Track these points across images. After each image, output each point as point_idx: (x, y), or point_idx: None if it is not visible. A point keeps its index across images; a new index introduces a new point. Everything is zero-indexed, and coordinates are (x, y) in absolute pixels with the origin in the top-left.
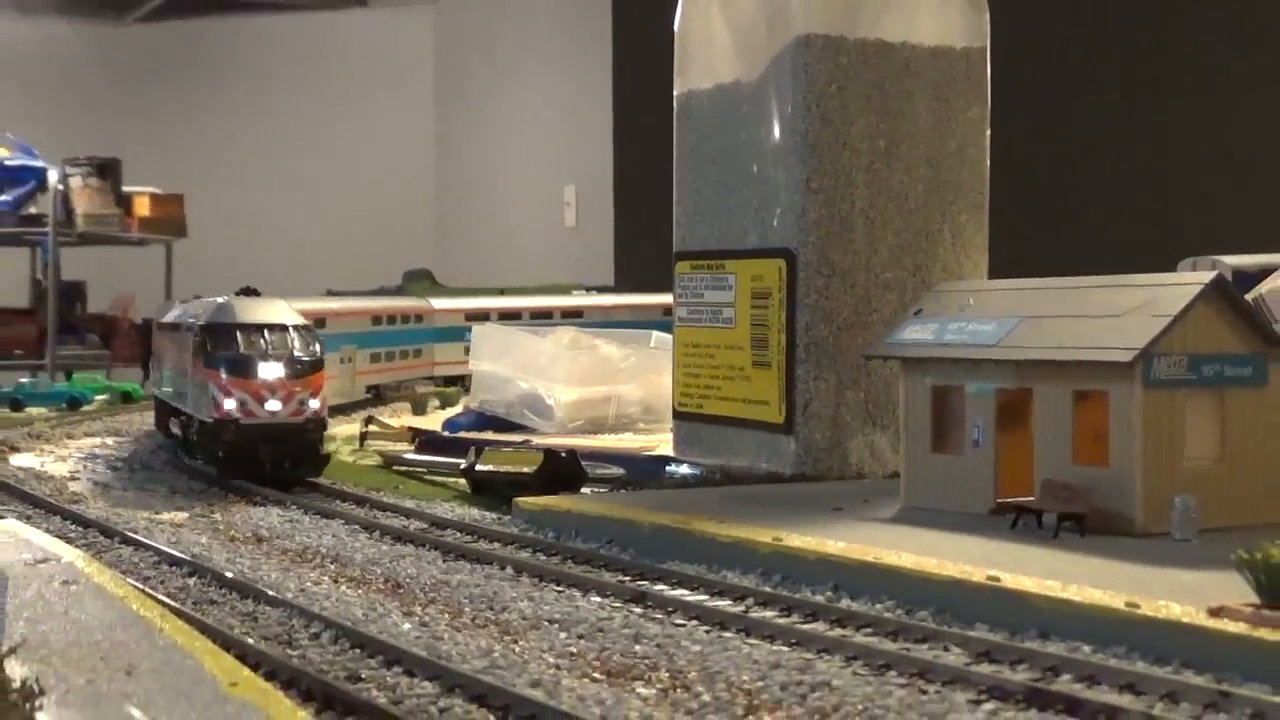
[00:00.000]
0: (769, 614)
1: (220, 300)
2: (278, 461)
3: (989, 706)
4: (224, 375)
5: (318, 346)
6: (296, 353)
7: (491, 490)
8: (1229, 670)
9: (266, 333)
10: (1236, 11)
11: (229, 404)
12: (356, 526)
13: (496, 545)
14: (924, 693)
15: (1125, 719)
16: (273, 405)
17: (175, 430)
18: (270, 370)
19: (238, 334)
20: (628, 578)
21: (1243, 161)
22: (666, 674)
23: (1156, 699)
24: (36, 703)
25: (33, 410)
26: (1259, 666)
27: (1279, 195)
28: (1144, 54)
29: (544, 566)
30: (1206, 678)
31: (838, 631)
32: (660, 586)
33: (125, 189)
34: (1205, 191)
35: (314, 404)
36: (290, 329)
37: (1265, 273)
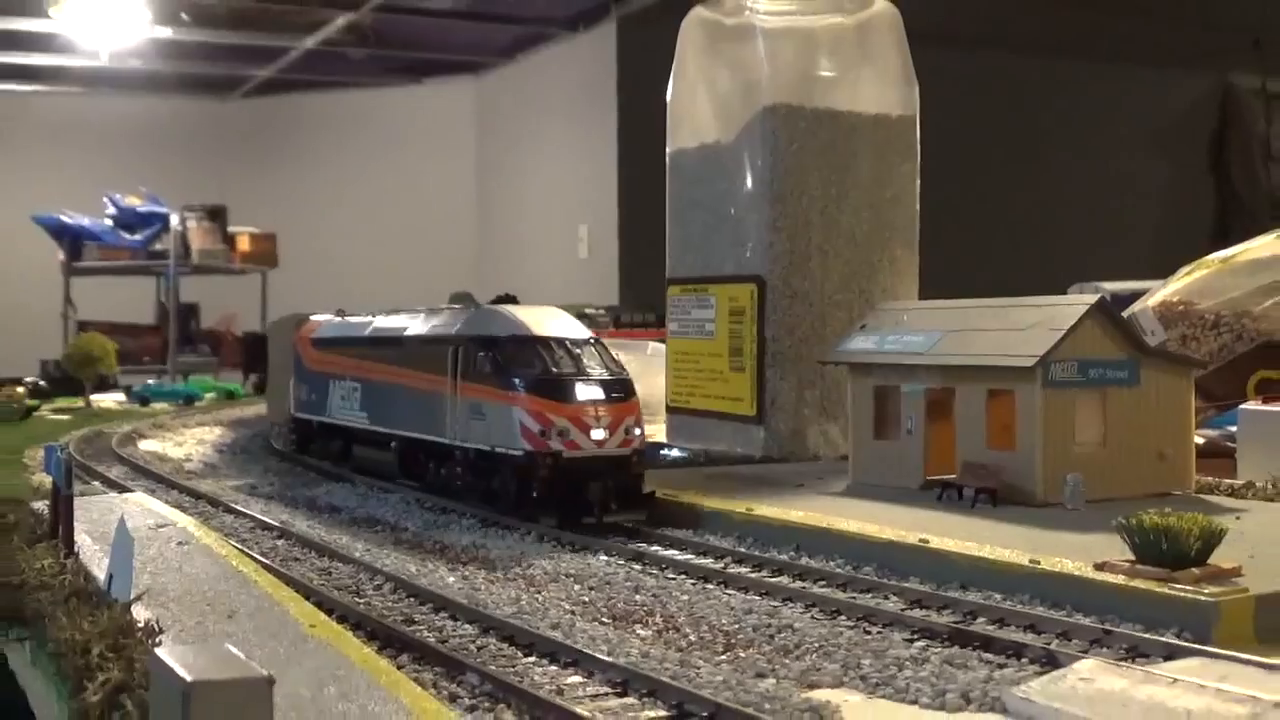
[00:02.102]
0: (743, 570)
1: (483, 310)
2: (604, 501)
3: (920, 644)
4: (535, 399)
5: (619, 364)
6: (610, 371)
7: None
8: (1110, 613)
9: (571, 347)
10: (1109, 93)
11: (546, 434)
12: (411, 501)
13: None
14: (868, 633)
15: (1028, 653)
16: (598, 434)
17: (327, 448)
18: (591, 392)
19: (540, 349)
20: (629, 540)
21: (1116, 210)
22: (660, 618)
23: (1053, 636)
24: (156, 639)
25: (157, 406)
26: (1134, 610)
27: (1143, 238)
28: (1040, 125)
29: (560, 533)
30: (1093, 619)
31: (799, 584)
32: (655, 547)
33: (230, 229)
34: (1089, 233)
35: (638, 431)
36: (595, 343)
37: (1135, 296)
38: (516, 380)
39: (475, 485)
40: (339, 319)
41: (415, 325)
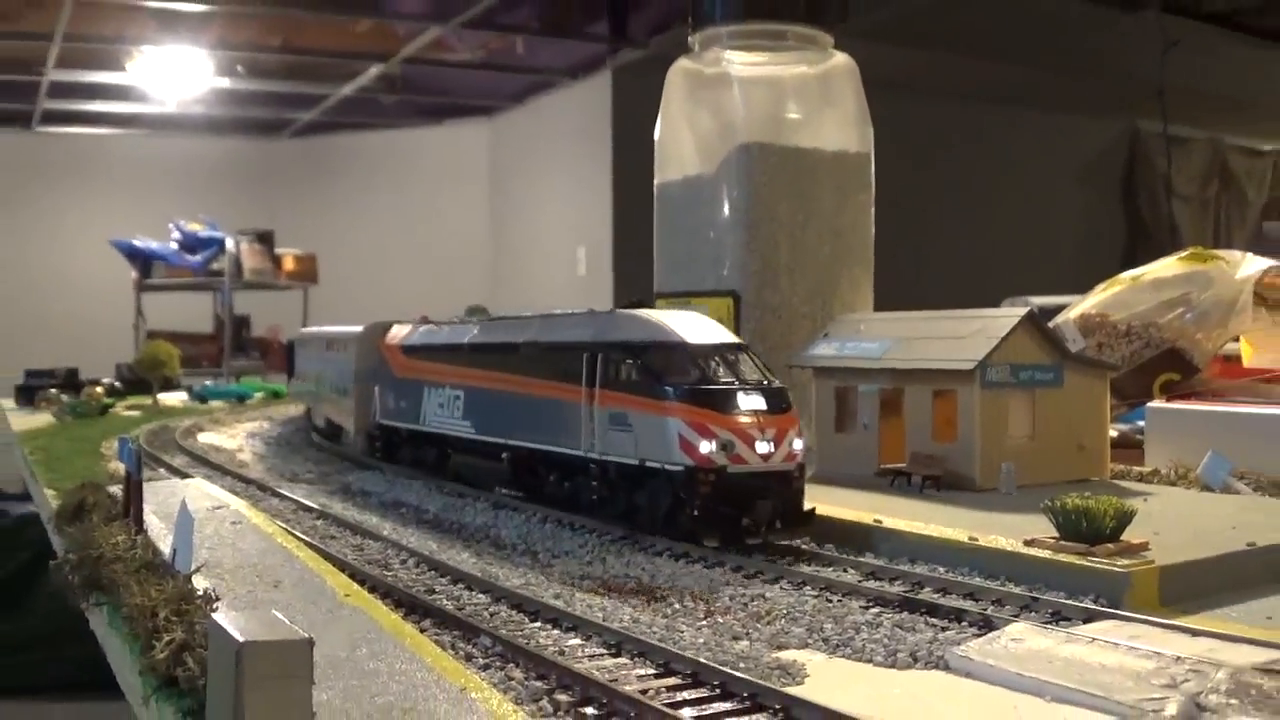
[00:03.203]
0: (720, 554)
1: (620, 314)
2: (769, 520)
3: (875, 610)
4: (694, 409)
5: (771, 372)
6: (767, 380)
7: None
8: (1038, 582)
9: (726, 354)
10: (1035, 135)
11: (708, 447)
12: (432, 487)
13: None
14: (830, 601)
15: (967, 618)
16: (763, 447)
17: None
18: (753, 402)
19: (695, 356)
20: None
21: (1042, 235)
22: (649, 590)
23: (989, 603)
24: (214, 605)
25: (213, 404)
26: (1058, 580)
27: (1065, 259)
28: (976, 162)
29: (562, 515)
30: (1023, 588)
31: (768, 559)
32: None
33: (277, 251)
34: (1018, 255)
35: (799, 445)
36: (746, 350)
37: (1059, 309)
38: (672, 389)
39: (612, 501)
40: (430, 325)
41: (532, 332)
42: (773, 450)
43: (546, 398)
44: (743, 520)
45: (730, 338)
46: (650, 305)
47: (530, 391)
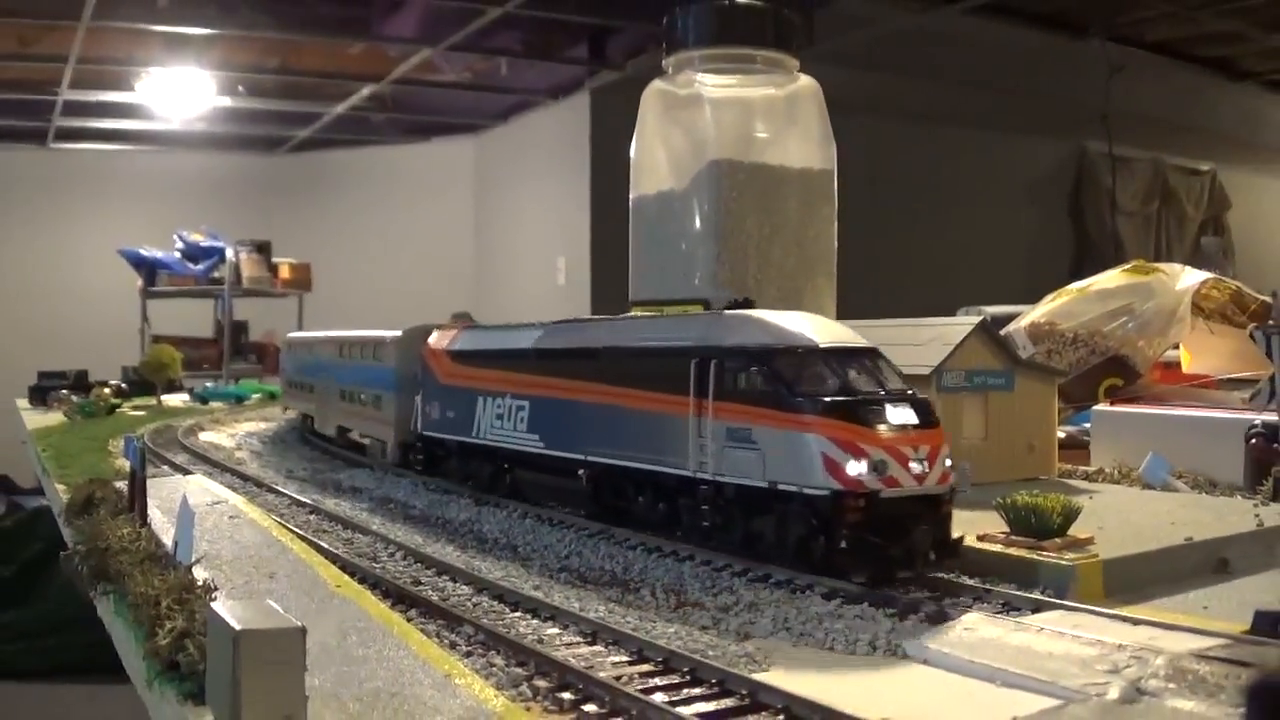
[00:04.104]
0: (690, 545)
1: (733, 316)
2: (925, 550)
3: (836, 601)
4: (840, 424)
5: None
6: (909, 389)
7: None
8: (990, 574)
9: (864, 359)
10: (987, 154)
11: (858, 468)
12: (419, 484)
13: (506, 499)
14: (793, 593)
15: (924, 608)
16: (917, 466)
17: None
18: (903, 415)
19: (831, 362)
20: (595, 521)
21: (994, 248)
22: (623, 582)
23: (944, 595)
24: (212, 595)
25: (213, 404)
26: (1009, 572)
27: (1016, 271)
28: (932, 179)
29: (543, 513)
30: (975, 580)
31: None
32: (616, 528)
33: (274, 260)
34: (972, 266)
35: (949, 464)
36: (882, 356)
37: (1010, 317)
38: (810, 400)
39: (727, 528)
40: (480, 329)
41: (615, 335)
42: (926, 470)
43: (638, 409)
44: (892, 552)
45: (861, 340)
46: (752, 305)
47: (617, 402)
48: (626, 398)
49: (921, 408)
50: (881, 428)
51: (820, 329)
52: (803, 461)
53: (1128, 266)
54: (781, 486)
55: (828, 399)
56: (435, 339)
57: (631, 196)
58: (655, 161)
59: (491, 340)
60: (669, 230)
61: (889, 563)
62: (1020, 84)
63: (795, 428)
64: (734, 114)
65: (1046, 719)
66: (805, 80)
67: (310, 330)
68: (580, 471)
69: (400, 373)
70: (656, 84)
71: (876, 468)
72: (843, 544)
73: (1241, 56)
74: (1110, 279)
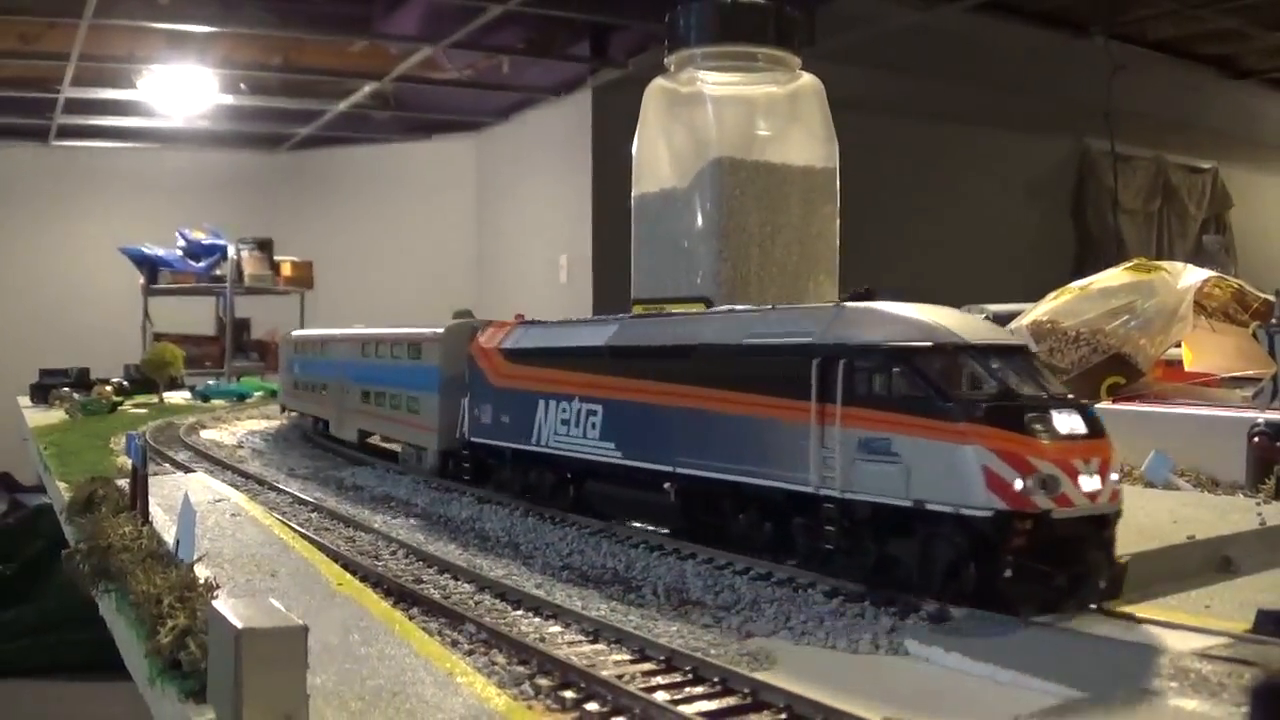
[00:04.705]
0: (691, 543)
1: (862, 309)
2: (1096, 576)
3: (837, 600)
4: (1002, 434)
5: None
6: (1069, 393)
7: None
8: None
9: (1017, 359)
10: (991, 152)
11: (1025, 484)
12: (420, 483)
13: (509, 497)
14: (795, 591)
15: (926, 608)
16: (1089, 482)
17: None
18: (1070, 422)
19: (986, 362)
20: (597, 518)
21: (997, 246)
22: (625, 580)
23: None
24: (214, 593)
25: (215, 402)
26: None
27: (1019, 269)
28: (936, 177)
29: (543, 510)
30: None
31: (735, 553)
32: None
33: (275, 258)
34: (975, 264)
35: (1116, 478)
36: (1035, 355)
37: (1013, 315)
38: (967, 406)
39: (857, 552)
40: (540, 325)
41: (712, 331)
42: (1099, 487)
43: (742, 415)
44: (1059, 580)
45: (1009, 336)
46: (874, 297)
47: (714, 407)
48: (727, 402)
49: (1088, 414)
50: (1049, 438)
51: (960, 323)
52: (959, 477)
53: (1129, 265)
54: (930, 506)
55: (987, 404)
56: (486, 336)
57: (633, 194)
58: (657, 159)
59: (554, 337)
60: (671, 228)
61: (1057, 592)
62: (1022, 82)
63: (949, 438)
64: (736, 112)
65: (1048, 718)
66: (807, 78)
67: (313, 328)
68: (666, 485)
69: (445, 373)
70: (658, 81)
71: (1046, 484)
72: (1007, 572)
73: (1243, 54)
74: (1112, 277)
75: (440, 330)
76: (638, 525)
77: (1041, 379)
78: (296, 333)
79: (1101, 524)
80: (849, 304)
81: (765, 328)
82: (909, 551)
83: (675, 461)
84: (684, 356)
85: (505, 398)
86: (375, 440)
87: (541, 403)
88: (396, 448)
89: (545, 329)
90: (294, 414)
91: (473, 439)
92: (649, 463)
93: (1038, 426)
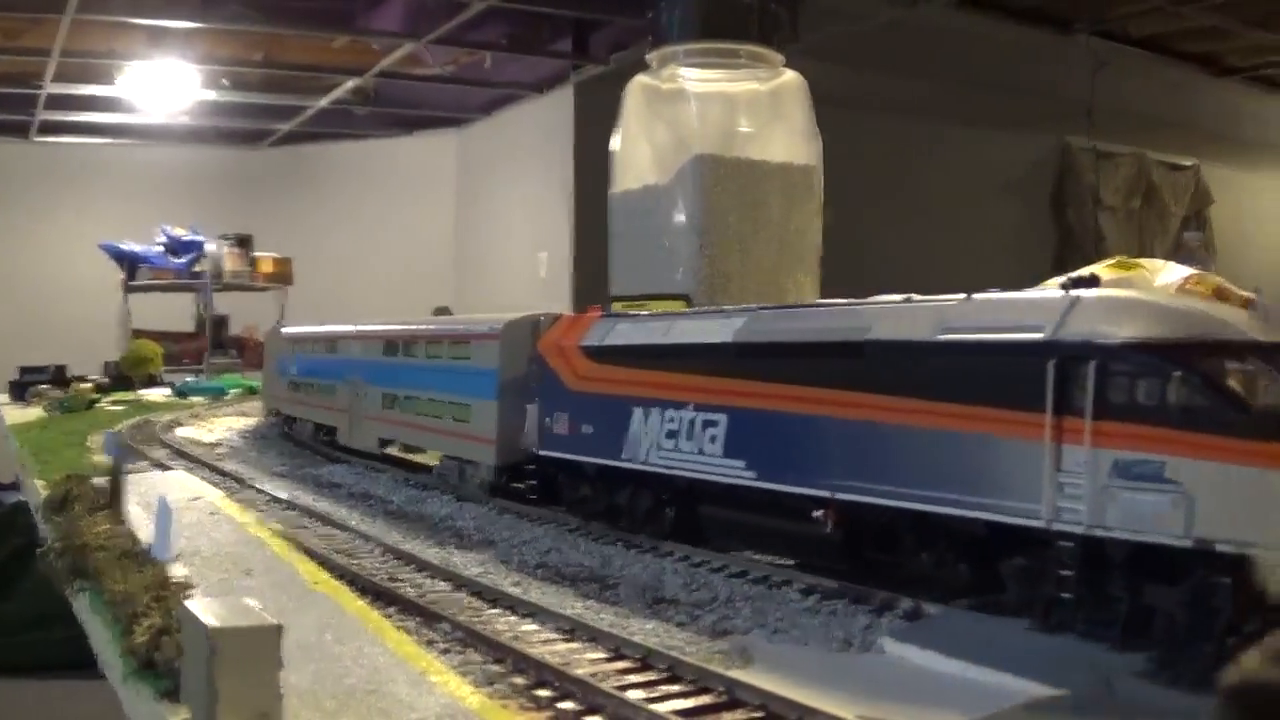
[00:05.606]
0: (668, 543)
1: (1089, 299)
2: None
3: (814, 597)
4: None
5: None
6: None
7: None
8: None
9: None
10: (972, 149)
11: None
12: (398, 479)
13: (485, 496)
14: (770, 589)
15: (901, 605)
16: None
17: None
18: None
19: (1254, 363)
20: (574, 517)
21: (979, 241)
22: (601, 578)
23: (922, 591)
24: (189, 591)
25: (193, 399)
26: None
27: (1000, 263)
28: (917, 174)
29: (518, 508)
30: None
31: (711, 550)
32: (594, 523)
33: (255, 254)
34: (957, 259)
35: None
36: None
37: None
38: (1275, 422)
39: (1103, 602)
40: (631, 319)
41: (883, 325)
42: None
43: (935, 429)
44: None
45: None
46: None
47: (893, 418)
48: (913, 412)
49: None
50: None
51: (1238, 316)
52: (1268, 510)
53: (1110, 262)
54: (1221, 547)
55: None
56: (559, 331)
57: (613, 191)
58: (638, 156)
59: (654, 332)
60: (651, 225)
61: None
62: (1004, 79)
63: (1255, 461)
64: (718, 108)
65: (1021, 716)
66: (790, 75)
67: (308, 324)
68: (818, 513)
69: (504, 376)
70: (640, 78)
71: None
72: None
73: (1225, 52)
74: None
75: (499, 325)
76: (758, 557)
77: None
78: (291, 328)
79: None
80: (1086, 292)
81: (967, 321)
82: (1173, 601)
83: (833, 485)
84: (849, 356)
85: (587, 404)
86: (395, 451)
87: (638, 411)
88: (420, 457)
89: (638, 323)
90: (276, 416)
91: (541, 452)
92: (795, 485)
93: None
